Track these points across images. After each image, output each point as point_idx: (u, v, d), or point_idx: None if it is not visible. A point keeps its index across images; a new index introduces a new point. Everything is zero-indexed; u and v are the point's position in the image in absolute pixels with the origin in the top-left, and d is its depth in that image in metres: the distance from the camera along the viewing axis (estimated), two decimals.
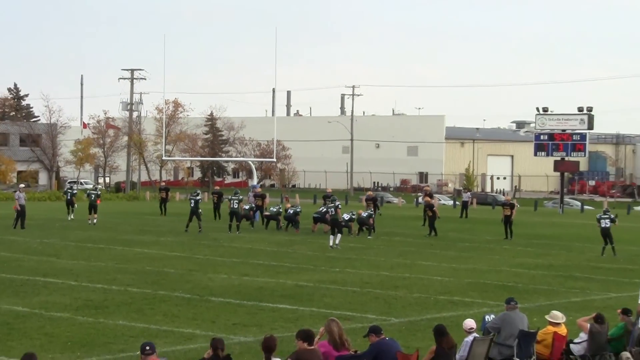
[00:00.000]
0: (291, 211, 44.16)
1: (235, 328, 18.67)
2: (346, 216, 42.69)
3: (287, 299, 22.56)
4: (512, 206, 42.90)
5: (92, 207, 45.24)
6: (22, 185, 49.02)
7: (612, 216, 36.20)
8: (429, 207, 44.15)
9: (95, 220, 44.93)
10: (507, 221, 42.17)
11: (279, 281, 25.71)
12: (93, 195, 46.01)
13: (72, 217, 47.46)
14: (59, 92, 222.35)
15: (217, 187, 57.67)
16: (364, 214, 42.25)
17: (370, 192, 51.91)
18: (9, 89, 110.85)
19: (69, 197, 49.27)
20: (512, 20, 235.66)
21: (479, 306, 22.00)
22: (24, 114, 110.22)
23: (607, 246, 35.31)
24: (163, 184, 64.79)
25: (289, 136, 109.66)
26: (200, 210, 42.38)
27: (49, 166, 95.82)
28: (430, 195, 50.10)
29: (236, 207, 42.03)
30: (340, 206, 36.85)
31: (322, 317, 18.73)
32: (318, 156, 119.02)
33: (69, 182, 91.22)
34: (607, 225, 35.26)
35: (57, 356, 15.79)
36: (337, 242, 35.27)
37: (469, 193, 71.17)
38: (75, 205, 49.00)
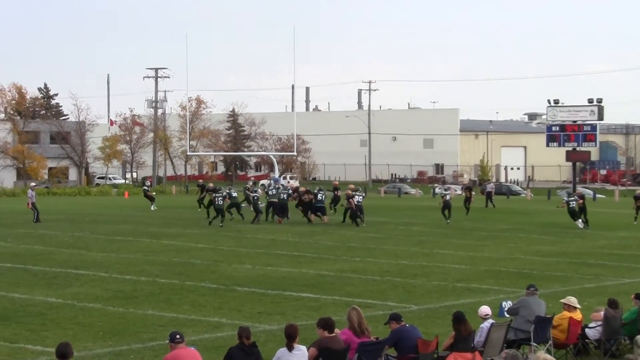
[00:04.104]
0: (320, 196, 43.76)
1: (260, 317, 18.92)
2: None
3: (310, 288, 22.81)
4: (582, 197, 43.29)
5: None
6: (33, 184, 50.11)
7: (578, 198, 42.33)
8: (446, 207, 44.50)
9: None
10: (582, 211, 42.42)
11: (301, 271, 26.02)
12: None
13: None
14: (87, 91, 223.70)
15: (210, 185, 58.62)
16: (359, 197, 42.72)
17: (350, 187, 50.26)
18: (40, 89, 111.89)
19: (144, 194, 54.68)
20: (523, 15, 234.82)
21: (496, 293, 22.19)
22: (53, 113, 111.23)
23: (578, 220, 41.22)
24: (200, 181, 65.67)
25: (309, 131, 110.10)
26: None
27: (78, 162, 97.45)
28: (469, 189, 50.81)
29: (254, 201, 43.89)
30: None
31: (343, 305, 18.95)
32: (337, 149, 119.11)
33: (97, 178, 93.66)
34: (573, 206, 41.73)
35: (89, 345, 16.03)
36: None
37: (492, 184, 71.09)
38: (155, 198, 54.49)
